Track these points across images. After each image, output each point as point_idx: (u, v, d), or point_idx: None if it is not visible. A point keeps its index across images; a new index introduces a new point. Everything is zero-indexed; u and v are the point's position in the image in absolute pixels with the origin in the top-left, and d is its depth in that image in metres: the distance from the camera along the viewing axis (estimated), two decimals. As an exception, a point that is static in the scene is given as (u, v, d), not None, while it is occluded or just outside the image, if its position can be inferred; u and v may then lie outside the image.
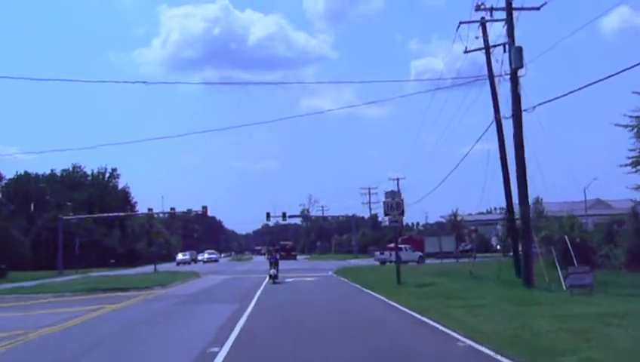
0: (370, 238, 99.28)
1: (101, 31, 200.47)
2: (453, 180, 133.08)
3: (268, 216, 78.34)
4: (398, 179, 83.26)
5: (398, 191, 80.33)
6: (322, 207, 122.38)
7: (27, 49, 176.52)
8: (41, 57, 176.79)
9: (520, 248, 25.45)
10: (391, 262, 50.46)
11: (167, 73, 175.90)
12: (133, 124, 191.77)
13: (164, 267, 64.68)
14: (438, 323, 13.83)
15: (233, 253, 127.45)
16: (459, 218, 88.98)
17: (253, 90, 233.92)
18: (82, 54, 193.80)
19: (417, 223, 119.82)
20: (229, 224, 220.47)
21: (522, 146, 22.76)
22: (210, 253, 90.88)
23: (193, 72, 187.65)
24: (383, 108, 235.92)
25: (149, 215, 77.54)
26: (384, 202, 27.84)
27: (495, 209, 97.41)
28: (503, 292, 20.71)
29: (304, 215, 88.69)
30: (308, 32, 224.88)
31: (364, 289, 25.93)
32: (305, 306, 19.67)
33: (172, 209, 67.34)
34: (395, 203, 27.31)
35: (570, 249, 26.18)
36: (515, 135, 23.07)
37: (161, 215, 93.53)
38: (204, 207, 62.38)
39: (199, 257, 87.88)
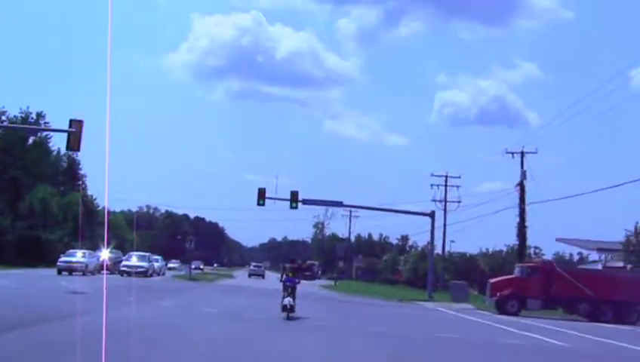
0: (423, 264, 60.17)
1: (130, 32, 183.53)
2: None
3: (261, 195, 41.57)
4: (522, 153, 45.46)
5: (523, 175, 42.09)
6: (350, 211, 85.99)
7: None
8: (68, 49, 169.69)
9: None
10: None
11: (192, 80, 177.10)
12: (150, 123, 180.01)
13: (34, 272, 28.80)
14: None
15: (194, 263, 64.63)
16: None
17: (275, 105, 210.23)
18: (105, 53, 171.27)
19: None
20: (238, 237, 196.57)
21: None
22: (140, 257, 49.59)
23: (218, 80, 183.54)
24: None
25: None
26: None
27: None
28: None
29: (330, 201, 51.03)
30: (337, 53, 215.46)
31: None
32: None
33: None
34: None
35: None
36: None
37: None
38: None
39: (124, 262, 48.04)
